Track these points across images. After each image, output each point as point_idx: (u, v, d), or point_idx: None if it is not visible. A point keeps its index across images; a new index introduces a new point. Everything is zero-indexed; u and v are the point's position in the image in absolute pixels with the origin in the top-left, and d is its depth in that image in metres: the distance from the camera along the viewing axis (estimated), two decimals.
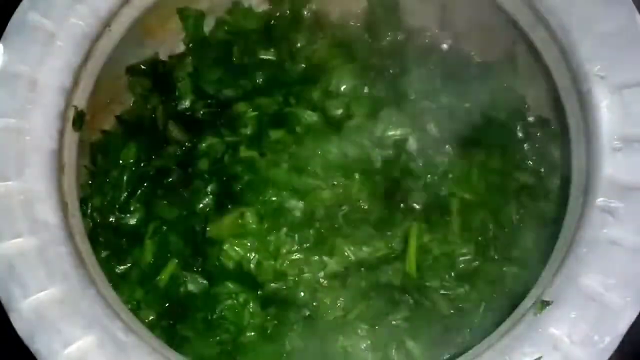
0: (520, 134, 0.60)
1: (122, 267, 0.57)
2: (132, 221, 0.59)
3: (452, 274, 0.55)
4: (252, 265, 0.54)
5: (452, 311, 0.54)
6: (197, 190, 0.57)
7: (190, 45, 0.63)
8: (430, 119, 0.59)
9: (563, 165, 0.52)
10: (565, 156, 0.51)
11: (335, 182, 0.56)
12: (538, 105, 0.59)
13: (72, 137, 0.51)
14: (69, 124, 0.51)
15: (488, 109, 0.60)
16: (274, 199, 0.55)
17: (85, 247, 0.49)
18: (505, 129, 0.60)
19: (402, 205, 0.56)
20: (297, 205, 0.55)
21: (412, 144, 0.58)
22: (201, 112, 0.61)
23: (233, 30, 0.64)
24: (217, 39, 0.64)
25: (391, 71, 0.62)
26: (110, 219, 0.59)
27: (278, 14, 0.65)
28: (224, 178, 0.57)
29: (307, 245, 0.54)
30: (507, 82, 0.61)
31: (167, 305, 0.55)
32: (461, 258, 0.55)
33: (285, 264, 0.54)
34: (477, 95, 0.60)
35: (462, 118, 0.60)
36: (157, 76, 0.62)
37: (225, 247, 0.54)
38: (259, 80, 0.61)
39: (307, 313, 0.54)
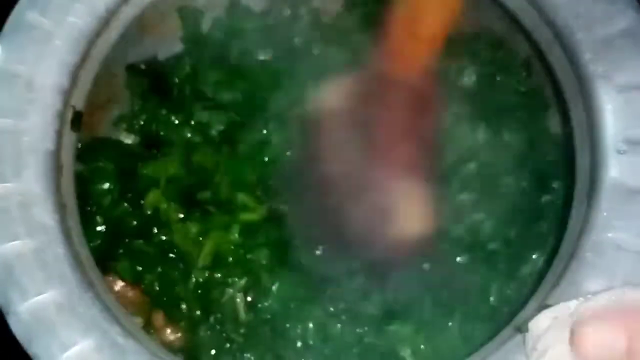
0: None
1: None
2: None
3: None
4: None
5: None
6: None
7: (188, 45, 0.63)
8: None
9: (567, 168, 0.52)
10: (569, 158, 0.50)
11: None
12: None
13: (70, 138, 0.51)
14: (67, 125, 0.50)
15: None
16: None
17: (83, 249, 0.48)
18: None
19: None
20: None
21: None
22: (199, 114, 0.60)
23: (231, 30, 0.63)
24: (215, 39, 0.63)
25: None
26: None
27: (276, 12, 0.64)
28: None
29: None
30: None
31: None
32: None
33: None
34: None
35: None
36: (156, 76, 0.61)
37: None
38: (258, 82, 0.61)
39: None
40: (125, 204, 0.57)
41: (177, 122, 0.60)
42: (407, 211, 0.51)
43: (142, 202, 0.57)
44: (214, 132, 0.60)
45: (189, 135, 0.60)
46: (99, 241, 0.56)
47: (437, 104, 0.52)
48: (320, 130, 0.53)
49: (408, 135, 0.50)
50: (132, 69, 0.60)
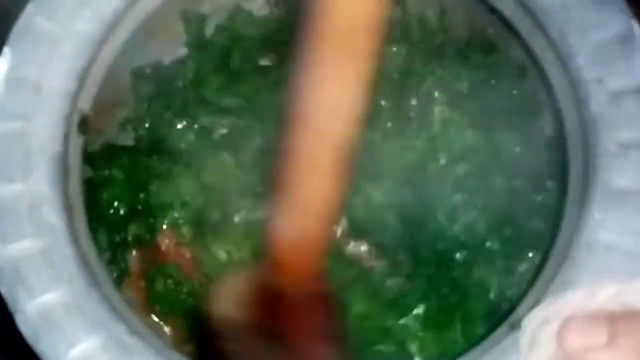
0: None
1: None
2: None
3: None
4: None
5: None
6: None
7: (191, 50, 0.63)
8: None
9: (560, 170, 0.52)
10: (563, 161, 0.51)
11: None
12: None
13: (76, 141, 0.52)
14: (74, 128, 0.51)
15: None
16: None
17: (90, 249, 0.49)
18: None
19: None
20: None
21: None
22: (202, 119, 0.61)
23: (233, 36, 0.64)
24: (217, 45, 0.63)
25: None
26: None
27: (278, 18, 0.65)
28: None
29: None
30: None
31: None
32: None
33: None
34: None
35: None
36: (160, 81, 0.62)
37: None
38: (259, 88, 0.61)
39: None
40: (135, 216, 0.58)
41: (180, 126, 0.60)
42: None
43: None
44: (216, 137, 0.60)
45: (192, 140, 0.60)
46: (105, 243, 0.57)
47: (333, 302, 0.49)
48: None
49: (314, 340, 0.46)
50: (137, 73, 0.61)
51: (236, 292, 0.49)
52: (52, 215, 0.46)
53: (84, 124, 0.52)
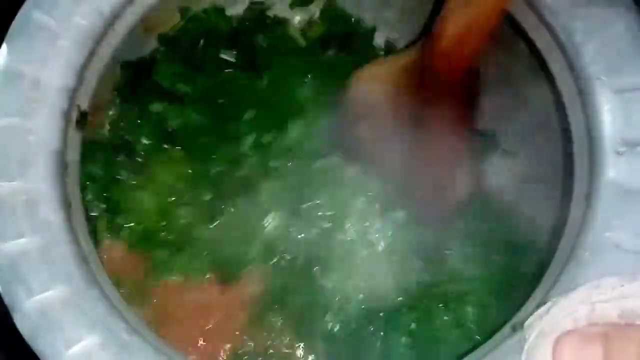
0: None
1: None
2: None
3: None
4: None
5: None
6: None
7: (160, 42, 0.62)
8: None
9: (565, 169, 0.52)
10: (568, 159, 0.51)
11: None
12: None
13: (75, 137, 0.51)
14: (72, 124, 0.51)
15: None
16: None
17: (88, 246, 0.49)
18: None
19: None
20: None
21: None
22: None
23: (203, 28, 0.62)
24: (187, 36, 0.62)
25: None
26: None
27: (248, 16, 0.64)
28: None
29: None
30: None
31: None
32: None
33: None
34: None
35: None
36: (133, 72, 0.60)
37: None
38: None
39: None
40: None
41: (139, 121, 0.59)
42: (461, 179, 0.56)
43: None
44: (169, 130, 0.59)
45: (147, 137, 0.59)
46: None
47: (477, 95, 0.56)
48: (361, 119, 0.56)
49: (454, 123, 0.54)
50: (126, 65, 0.60)
51: (383, 72, 0.55)
52: (50, 213, 0.46)
53: (82, 120, 0.52)
